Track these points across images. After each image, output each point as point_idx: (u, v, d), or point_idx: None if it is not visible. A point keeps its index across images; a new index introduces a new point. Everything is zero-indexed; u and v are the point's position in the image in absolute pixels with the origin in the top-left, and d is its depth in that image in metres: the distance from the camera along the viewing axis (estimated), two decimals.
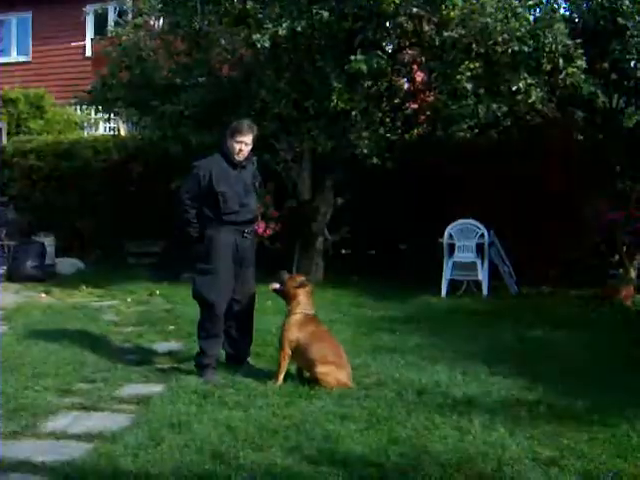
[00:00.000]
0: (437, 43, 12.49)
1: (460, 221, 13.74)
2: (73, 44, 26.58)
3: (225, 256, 7.89)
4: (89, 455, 5.63)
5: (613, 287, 12.80)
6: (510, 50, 11.89)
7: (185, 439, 5.90)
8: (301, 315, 7.83)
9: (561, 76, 12.09)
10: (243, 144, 7.95)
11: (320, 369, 7.45)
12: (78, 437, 6.08)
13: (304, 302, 7.90)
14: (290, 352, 7.66)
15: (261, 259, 13.98)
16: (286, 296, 7.97)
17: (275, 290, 8.03)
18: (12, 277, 15.33)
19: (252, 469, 5.36)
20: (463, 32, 12.05)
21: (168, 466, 5.40)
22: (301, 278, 8.16)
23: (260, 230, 13.84)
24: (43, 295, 13.56)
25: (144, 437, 5.96)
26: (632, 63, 12.97)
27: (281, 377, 7.60)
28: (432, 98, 14.85)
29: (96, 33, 25.39)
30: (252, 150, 8.09)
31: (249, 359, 8.36)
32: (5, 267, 15.47)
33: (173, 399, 6.99)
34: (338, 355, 7.70)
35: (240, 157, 7.97)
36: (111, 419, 6.58)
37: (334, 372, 7.48)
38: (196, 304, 8.13)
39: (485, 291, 13.26)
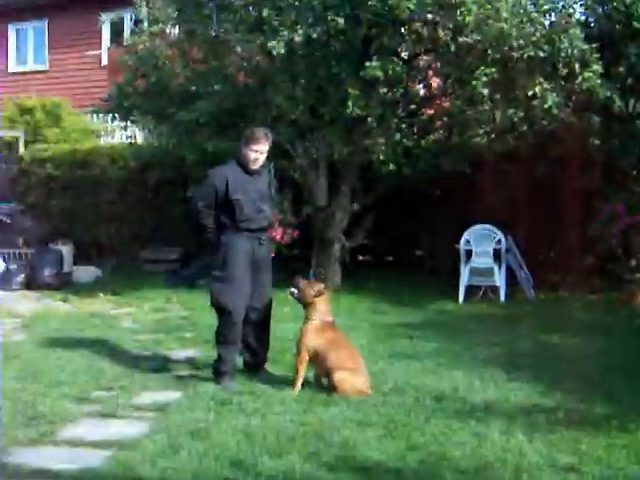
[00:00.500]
0: (452, 49, 12.47)
1: (477, 227, 13.70)
2: (89, 53, 26.67)
3: (242, 262, 7.90)
4: (107, 463, 5.64)
5: (630, 292, 12.74)
6: (526, 55, 11.87)
7: (203, 446, 5.90)
8: (319, 322, 7.83)
9: (577, 81, 12.06)
10: (259, 152, 7.94)
11: (337, 376, 7.43)
12: (96, 445, 6.09)
13: (322, 309, 7.89)
14: (307, 358, 7.66)
15: (279, 265, 14.03)
16: (303, 302, 7.97)
17: (292, 295, 8.03)
18: (30, 285, 15.39)
19: (270, 476, 5.36)
20: (478, 37, 12.03)
21: (187, 474, 5.41)
22: (319, 285, 8.12)
23: (278, 237, 13.85)
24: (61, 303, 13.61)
25: (162, 445, 5.96)
26: None
27: (299, 384, 7.59)
28: (448, 104, 14.85)
29: (112, 42, 25.48)
30: (268, 157, 8.09)
31: (266, 366, 8.36)
32: (23, 275, 15.50)
33: (191, 406, 7.01)
34: (356, 362, 7.68)
35: (256, 165, 7.97)
36: (129, 427, 6.59)
37: (351, 379, 7.46)
38: (213, 311, 8.14)
39: (502, 297, 13.22)
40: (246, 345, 8.21)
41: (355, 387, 7.42)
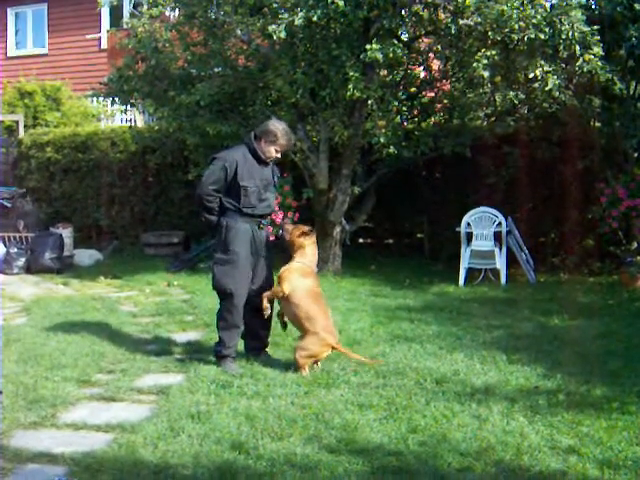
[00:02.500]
0: (453, 31, 12.41)
1: (478, 209, 13.70)
2: (89, 36, 26.64)
3: (244, 246, 7.93)
4: (109, 446, 5.67)
5: (631, 275, 12.74)
6: (526, 37, 11.82)
7: (204, 429, 5.92)
8: (303, 265, 8.02)
9: (578, 63, 12.01)
10: (280, 152, 8.13)
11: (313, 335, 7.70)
12: (98, 428, 6.12)
13: (310, 253, 8.08)
14: (286, 294, 7.84)
15: (279, 249, 14.06)
16: (292, 245, 8.13)
17: (281, 236, 8.28)
18: (30, 269, 15.39)
19: (271, 458, 5.38)
20: (479, 20, 11.98)
21: (188, 456, 5.43)
22: (306, 227, 8.24)
23: (278, 220, 13.85)
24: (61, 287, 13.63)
25: (163, 427, 5.99)
26: None
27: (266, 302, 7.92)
28: (448, 86, 14.84)
29: (111, 25, 25.45)
30: None
31: (267, 349, 8.38)
32: (24, 259, 15.51)
33: (192, 389, 7.03)
34: (328, 321, 7.95)
35: (271, 159, 8.12)
36: (130, 410, 6.62)
37: (316, 344, 7.69)
38: (215, 294, 8.16)
39: (503, 279, 13.23)
40: (248, 328, 8.22)
41: (306, 348, 7.67)
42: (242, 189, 7.86)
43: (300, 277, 7.92)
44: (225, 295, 7.96)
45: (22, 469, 5.31)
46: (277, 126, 8.08)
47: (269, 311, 8.01)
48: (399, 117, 14.70)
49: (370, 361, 7.94)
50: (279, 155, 8.15)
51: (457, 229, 13.67)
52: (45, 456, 5.51)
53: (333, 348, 7.79)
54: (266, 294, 7.95)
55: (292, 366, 7.67)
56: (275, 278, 8.10)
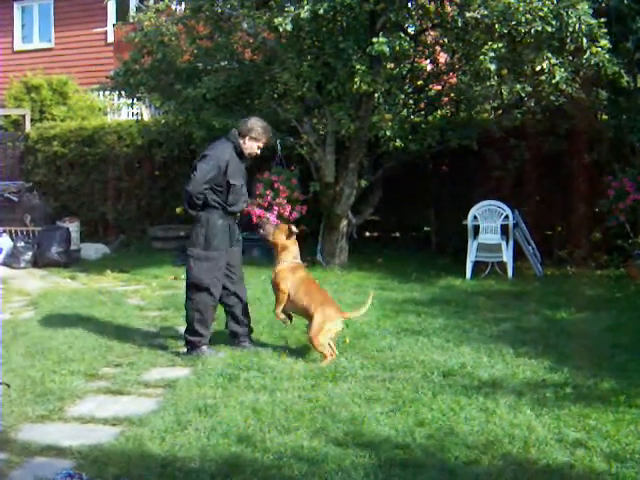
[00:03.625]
0: (459, 24, 12.39)
1: (484, 202, 13.67)
2: (95, 30, 26.65)
3: (223, 242, 8.15)
4: (116, 439, 5.68)
5: (638, 268, 12.72)
6: (533, 30, 11.78)
7: (211, 422, 5.93)
8: (293, 263, 8.30)
9: (585, 56, 11.98)
10: (260, 148, 8.36)
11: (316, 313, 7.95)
12: (105, 421, 6.14)
13: (293, 250, 8.35)
14: (287, 297, 8.14)
15: None
16: (275, 246, 8.36)
17: (261, 235, 8.46)
18: (37, 263, 15.41)
19: (278, 452, 5.39)
20: (485, 12, 11.94)
21: (195, 449, 5.44)
22: (286, 226, 8.44)
23: (286, 214, 13.85)
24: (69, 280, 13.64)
25: (171, 421, 6.00)
26: None
27: (280, 311, 8.24)
28: (455, 79, 14.81)
29: (118, 19, 25.45)
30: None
31: (252, 335, 8.62)
32: (30, 253, 15.52)
33: (199, 383, 7.03)
34: (327, 297, 8.35)
35: (251, 156, 8.37)
36: (138, 403, 6.63)
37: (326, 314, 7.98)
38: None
39: (510, 273, 13.21)
40: (233, 317, 8.42)
41: (320, 327, 7.88)
42: (231, 187, 8.06)
43: (292, 274, 8.19)
44: (203, 290, 8.11)
45: (30, 462, 5.32)
46: (260, 124, 8.33)
47: (289, 322, 8.40)
48: (406, 110, 14.67)
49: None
50: (259, 152, 8.38)
51: (464, 222, 13.65)
52: (53, 449, 5.52)
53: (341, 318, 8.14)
54: (276, 309, 8.24)
55: (313, 358, 7.71)
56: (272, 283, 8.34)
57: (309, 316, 8.00)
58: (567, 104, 13.66)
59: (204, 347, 8.12)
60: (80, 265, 15.60)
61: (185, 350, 8.22)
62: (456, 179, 15.68)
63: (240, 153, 8.22)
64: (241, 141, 8.23)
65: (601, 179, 13.43)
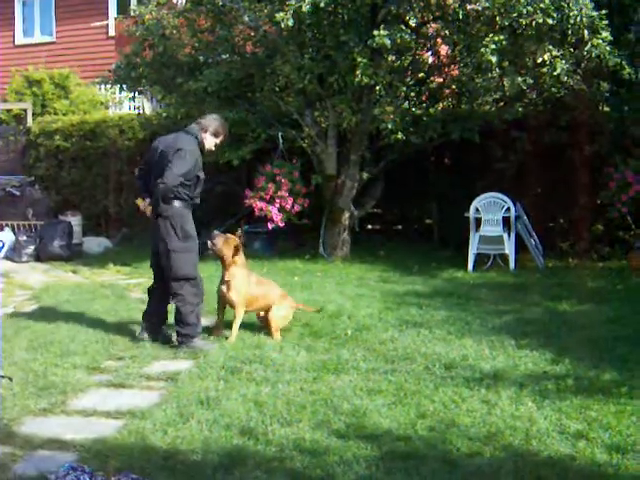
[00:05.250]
0: (461, 16, 12.39)
1: (486, 195, 13.67)
2: (96, 24, 26.61)
3: (194, 232, 8.35)
4: (118, 432, 5.68)
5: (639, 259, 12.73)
6: (534, 22, 11.78)
7: (214, 415, 5.94)
8: (245, 271, 8.61)
9: (586, 48, 11.98)
10: (217, 145, 8.61)
11: (276, 308, 8.63)
12: (107, 414, 6.14)
13: (242, 261, 8.61)
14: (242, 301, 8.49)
15: (289, 235, 14.06)
16: (222, 259, 8.60)
17: (213, 250, 8.65)
18: (40, 256, 15.42)
19: (280, 444, 5.40)
20: (487, 4, 11.94)
21: (197, 442, 5.45)
22: (234, 240, 8.64)
23: (287, 206, 13.86)
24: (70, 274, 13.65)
25: (173, 413, 6.00)
26: None
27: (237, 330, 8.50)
28: (456, 72, 14.79)
29: (119, 12, 25.41)
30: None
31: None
32: (33, 247, 15.54)
33: (201, 375, 7.04)
34: (281, 293, 8.87)
35: (208, 151, 8.54)
36: (140, 396, 6.63)
37: (283, 311, 8.68)
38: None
39: (512, 265, 13.22)
40: (160, 309, 8.64)
41: (285, 316, 8.70)
42: (199, 179, 8.23)
43: (246, 280, 8.59)
44: (190, 281, 8.25)
45: (32, 455, 5.33)
46: (220, 120, 8.61)
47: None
48: (407, 103, 14.67)
49: (309, 308, 9.29)
50: (214, 149, 8.60)
51: (466, 214, 13.65)
52: (55, 442, 5.52)
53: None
54: (236, 325, 8.50)
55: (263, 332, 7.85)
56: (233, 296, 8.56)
57: (267, 308, 8.64)
58: (569, 96, 13.66)
59: (197, 339, 8.19)
60: (82, 259, 15.62)
61: (178, 343, 8.22)
62: (458, 171, 15.69)
63: (201, 148, 8.33)
64: (203, 136, 8.34)
65: (603, 171, 13.43)
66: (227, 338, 8.38)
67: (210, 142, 8.41)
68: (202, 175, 8.25)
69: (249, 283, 8.56)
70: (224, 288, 8.58)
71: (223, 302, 8.66)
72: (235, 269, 8.52)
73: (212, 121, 8.46)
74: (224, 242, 8.52)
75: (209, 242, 8.60)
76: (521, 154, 14.52)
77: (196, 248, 8.34)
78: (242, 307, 8.48)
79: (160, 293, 8.51)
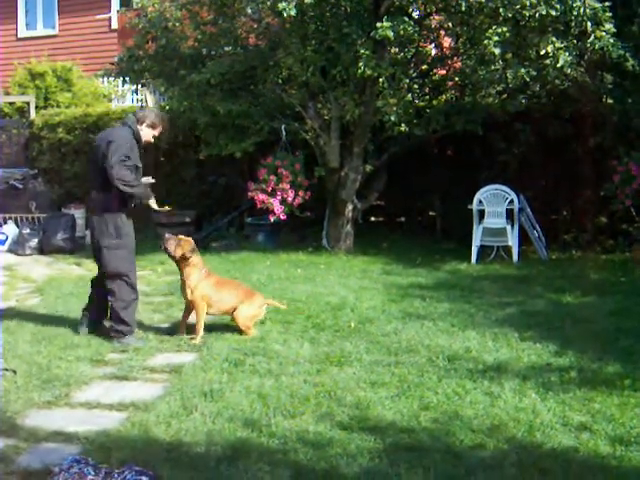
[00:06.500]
0: (464, 8, 12.36)
1: (489, 187, 13.65)
2: (99, 16, 26.60)
3: (132, 227, 8.46)
4: (122, 424, 5.70)
5: None
6: (537, 14, 11.75)
7: (217, 407, 5.95)
8: (202, 272, 8.52)
9: (590, 40, 11.95)
10: (155, 137, 8.70)
11: (243, 307, 8.45)
12: (111, 407, 6.15)
13: (199, 262, 8.61)
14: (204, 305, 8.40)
15: (291, 227, 14.05)
16: (177, 261, 8.56)
17: (167, 252, 8.61)
18: (43, 249, 15.41)
19: (284, 436, 5.41)
20: None
21: (201, 434, 5.46)
22: (187, 242, 8.62)
23: (289, 199, 13.85)
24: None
25: (176, 406, 6.02)
26: None
27: (201, 331, 8.33)
28: (459, 64, 14.76)
29: (121, 5, 25.42)
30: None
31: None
32: (36, 239, 15.53)
33: (205, 368, 7.05)
34: (246, 291, 8.76)
35: (146, 144, 8.60)
36: (144, 388, 6.65)
37: (249, 310, 8.48)
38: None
39: (515, 257, 13.21)
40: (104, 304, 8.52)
41: (253, 315, 8.52)
42: (137, 169, 8.25)
43: (207, 285, 8.50)
44: (123, 278, 8.25)
45: (36, 448, 5.34)
46: (157, 113, 8.69)
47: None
48: (410, 95, 14.63)
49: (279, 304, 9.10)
50: (152, 140, 8.66)
51: (469, 207, 13.64)
52: (59, 435, 5.54)
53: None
54: (200, 326, 8.36)
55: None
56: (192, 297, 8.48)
57: (233, 308, 8.46)
58: (572, 88, 13.63)
59: (130, 336, 8.19)
60: (86, 252, 15.55)
61: (110, 338, 8.19)
62: (461, 164, 15.65)
63: (137, 139, 8.34)
64: (139, 127, 8.38)
65: (606, 163, 13.40)
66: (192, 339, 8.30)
67: (147, 133, 8.46)
68: (140, 164, 8.25)
69: (208, 285, 8.48)
70: (182, 288, 8.62)
71: (186, 303, 8.65)
72: (190, 269, 8.46)
73: (149, 113, 8.55)
74: (177, 245, 8.49)
75: (161, 245, 8.63)
76: (524, 146, 14.51)
77: (131, 245, 8.36)
78: (201, 306, 8.38)
79: (101, 287, 8.49)
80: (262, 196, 13.91)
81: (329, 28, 13.13)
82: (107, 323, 8.41)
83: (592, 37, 11.88)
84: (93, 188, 8.31)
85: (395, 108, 13.03)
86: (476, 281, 11.52)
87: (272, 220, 14.17)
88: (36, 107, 21.47)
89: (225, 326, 8.52)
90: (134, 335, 8.24)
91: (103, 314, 8.54)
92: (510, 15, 11.96)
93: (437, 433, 5.48)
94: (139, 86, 16.17)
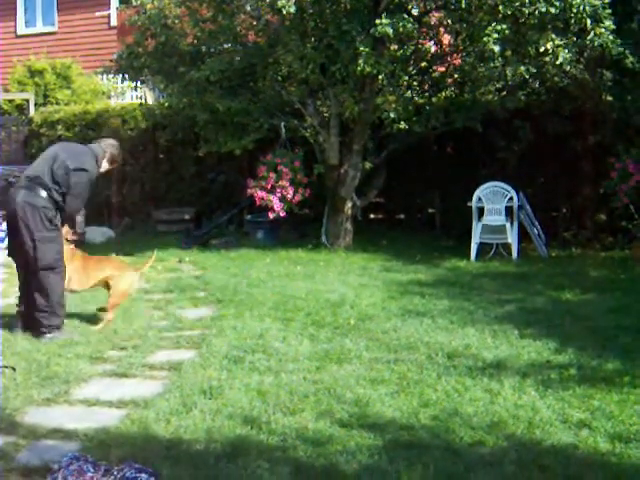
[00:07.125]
0: (463, 5, 12.36)
1: (489, 184, 13.65)
2: (98, 13, 26.60)
3: (59, 223, 8.39)
4: (121, 421, 5.69)
5: None
6: (537, 11, 11.77)
7: (217, 404, 5.95)
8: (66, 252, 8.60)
9: (589, 37, 11.95)
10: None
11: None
12: (110, 404, 6.14)
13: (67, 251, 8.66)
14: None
15: (291, 225, 14.05)
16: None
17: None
18: None
19: (283, 433, 5.40)
20: None
21: (200, 431, 5.45)
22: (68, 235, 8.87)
23: (289, 196, 13.86)
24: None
25: (176, 403, 6.01)
26: None
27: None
28: (459, 61, 14.76)
29: (121, 2, 25.34)
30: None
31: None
32: None
33: (204, 365, 7.04)
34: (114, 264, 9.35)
35: (98, 173, 8.78)
36: (143, 385, 6.64)
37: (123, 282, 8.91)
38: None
39: (515, 254, 13.21)
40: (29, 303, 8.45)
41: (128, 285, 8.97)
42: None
43: (72, 264, 8.66)
44: (53, 270, 8.23)
45: (36, 445, 5.34)
46: (117, 147, 9.00)
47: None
48: (410, 92, 14.65)
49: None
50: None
51: (469, 204, 13.64)
52: (58, 432, 5.53)
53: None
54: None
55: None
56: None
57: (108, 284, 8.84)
58: (571, 85, 13.65)
59: (63, 328, 8.25)
60: (85, 248, 15.56)
61: (42, 333, 8.14)
62: (460, 161, 15.67)
63: (95, 167, 8.61)
64: (100, 160, 8.68)
65: (606, 160, 13.40)
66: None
67: (104, 166, 8.82)
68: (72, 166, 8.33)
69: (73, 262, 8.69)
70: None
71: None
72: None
73: (109, 148, 8.87)
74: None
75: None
76: (524, 143, 14.52)
77: (60, 238, 8.36)
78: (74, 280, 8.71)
79: (26, 283, 8.44)
80: (261, 193, 13.92)
81: (328, 25, 13.13)
82: (40, 317, 8.26)
83: (591, 34, 11.88)
84: (37, 183, 8.33)
85: (394, 105, 13.06)
86: (475, 278, 11.52)
87: (271, 217, 14.19)
88: (35, 104, 21.49)
89: (224, 323, 8.49)
90: (64, 327, 8.32)
91: (33, 309, 8.38)
92: (509, 12, 11.97)
93: (436, 430, 5.48)
94: (138, 83, 16.14)
